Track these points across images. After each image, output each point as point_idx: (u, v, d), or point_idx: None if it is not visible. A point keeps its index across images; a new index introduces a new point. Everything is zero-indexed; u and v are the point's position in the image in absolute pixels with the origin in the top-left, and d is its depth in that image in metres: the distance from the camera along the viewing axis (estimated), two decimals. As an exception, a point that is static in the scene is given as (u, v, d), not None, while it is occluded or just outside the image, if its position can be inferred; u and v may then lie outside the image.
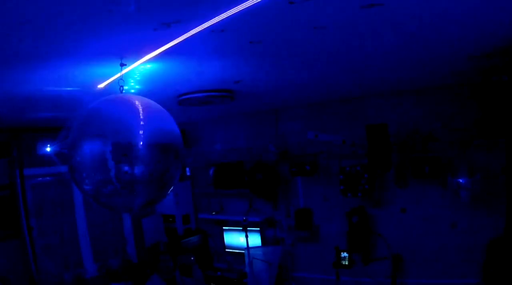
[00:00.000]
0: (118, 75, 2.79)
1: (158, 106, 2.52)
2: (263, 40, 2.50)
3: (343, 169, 5.61)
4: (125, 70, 2.74)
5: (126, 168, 2.21)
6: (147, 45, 2.37)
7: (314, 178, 6.05)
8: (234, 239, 6.99)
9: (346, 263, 5.16)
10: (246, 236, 5.83)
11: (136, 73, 2.99)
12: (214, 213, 7.28)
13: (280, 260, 5.92)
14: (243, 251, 6.07)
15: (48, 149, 5.07)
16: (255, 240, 6.51)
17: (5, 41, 2.06)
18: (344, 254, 5.18)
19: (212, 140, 7.33)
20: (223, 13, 1.88)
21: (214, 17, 1.93)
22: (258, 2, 1.76)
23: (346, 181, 5.56)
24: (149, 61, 2.67)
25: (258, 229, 6.61)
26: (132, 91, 3.52)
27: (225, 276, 6.74)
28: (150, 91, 3.63)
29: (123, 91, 2.76)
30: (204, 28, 2.04)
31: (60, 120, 4.10)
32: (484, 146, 4.68)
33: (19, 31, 1.92)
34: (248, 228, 5.95)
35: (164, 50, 2.43)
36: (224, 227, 7.16)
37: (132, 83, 3.28)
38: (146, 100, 2.49)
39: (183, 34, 2.15)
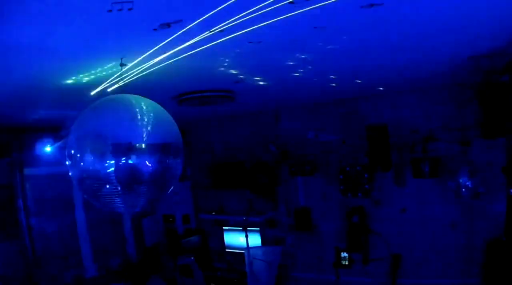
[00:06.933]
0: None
1: (158, 106, 2.51)
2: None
3: (343, 169, 5.61)
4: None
5: (126, 168, 2.21)
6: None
7: (314, 178, 6.05)
8: (234, 239, 6.99)
9: (346, 263, 5.17)
10: (246, 236, 5.82)
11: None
12: (214, 213, 7.28)
13: (280, 260, 5.92)
14: (243, 251, 6.07)
15: (48, 149, 5.06)
16: (255, 240, 6.51)
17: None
18: (344, 254, 5.18)
19: (212, 140, 7.33)
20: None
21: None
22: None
23: (346, 181, 5.56)
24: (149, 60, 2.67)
25: (258, 229, 6.61)
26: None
27: (225, 276, 6.74)
28: (150, 91, 3.61)
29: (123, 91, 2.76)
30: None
31: (60, 120, 4.09)
32: (484, 146, 4.68)
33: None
34: (248, 228, 5.95)
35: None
36: (224, 227, 7.15)
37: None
38: (146, 100, 2.49)
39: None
